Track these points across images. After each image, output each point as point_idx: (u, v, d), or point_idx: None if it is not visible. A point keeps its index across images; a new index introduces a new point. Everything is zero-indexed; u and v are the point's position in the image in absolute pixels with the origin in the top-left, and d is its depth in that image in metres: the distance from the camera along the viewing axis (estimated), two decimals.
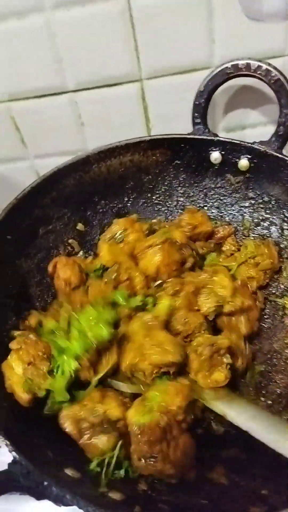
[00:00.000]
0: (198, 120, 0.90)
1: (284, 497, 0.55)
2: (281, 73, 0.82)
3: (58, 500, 0.55)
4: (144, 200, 0.98)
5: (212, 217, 0.97)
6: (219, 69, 0.85)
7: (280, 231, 0.92)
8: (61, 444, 0.67)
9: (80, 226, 0.94)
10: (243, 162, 0.90)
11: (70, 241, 0.93)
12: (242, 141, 0.88)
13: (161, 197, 0.98)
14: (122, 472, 0.63)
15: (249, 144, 0.88)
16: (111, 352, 0.71)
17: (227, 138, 0.89)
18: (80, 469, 0.61)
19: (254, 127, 1.01)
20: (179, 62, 0.90)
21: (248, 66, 0.84)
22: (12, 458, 0.58)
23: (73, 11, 0.83)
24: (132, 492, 0.60)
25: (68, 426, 0.65)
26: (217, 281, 0.82)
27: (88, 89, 0.94)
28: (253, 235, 0.95)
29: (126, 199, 0.97)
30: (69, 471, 0.60)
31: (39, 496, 0.56)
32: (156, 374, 0.69)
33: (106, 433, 0.64)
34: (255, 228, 0.95)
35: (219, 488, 0.62)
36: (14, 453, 0.58)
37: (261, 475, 0.63)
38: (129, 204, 0.98)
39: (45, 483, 0.55)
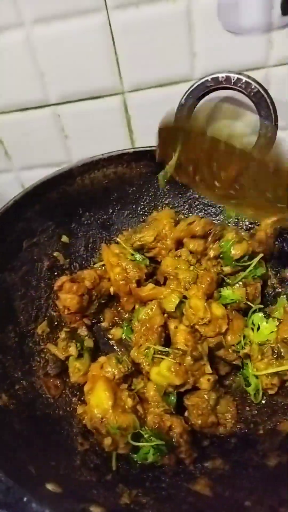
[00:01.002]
0: None
1: (266, 508, 0.54)
2: (261, 85, 0.83)
3: None
4: (129, 212, 0.98)
5: None
6: (199, 82, 0.86)
7: None
8: (44, 459, 0.66)
9: (64, 239, 0.94)
10: None
11: (55, 253, 0.93)
12: None
13: (146, 208, 0.99)
14: None
15: None
16: None
17: None
18: (61, 484, 0.61)
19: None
20: (160, 75, 0.91)
21: (228, 79, 0.85)
22: None
23: (53, 26, 0.84)
24: (114, 507, 0.59)
25: None
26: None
27: (71, 102, 0.95)
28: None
29: (111, 210, 0.97)
30: (50, 486, 0.59)
31: None
32: None
33: None
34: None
35: (203, 500, 0.61)
36: None
37: (245, 487, 0.62)
38: (114, 216, 0.98)
39: (25, 499, 0.55)
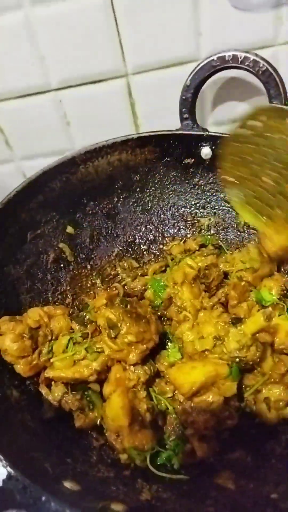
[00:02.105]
0: (186, 115, 0.88)
1: None
2: (269, 63, 0.80)
3: None
4: (134, 200, 0.95)
5: (204, 214, 0.95)
6: (205, 62, 0.83)
7: None
8: (60, 455, 0.64)
9: (70, 229, 0.91)
10: None
11: (60, 245, 0.90)
12: None
13: (151, 196, 0.96)
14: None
15: None
16: None
17: (217, 133, 0.87)
18: (79, 481, 0.58)
19: None
20: (165, 56, 0.88)
21: (234, 58, 0.82)
22: (6, 474, 0.55)
23: (53, 6, 0.80)
24: (135, 503, 0.57)
25: None
26: None
27: (73, 86, 0.92)
28: (249, 230, 0.93)
29: (116, 199, 0.94)
30: (68, 484, 0.57)
31: None
32: None
33: None
34: (250, 224, 0.92)
35: (226, 494, 0.59)
36: (9, 468, 0.55)
37: (271, 479, 0.60)
38: (119, 205, 0.95)
39: (43, 498, 0.52)
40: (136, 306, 0.72)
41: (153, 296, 0.83)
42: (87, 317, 0.75)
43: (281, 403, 0.68)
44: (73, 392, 0.71)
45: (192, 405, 0.67)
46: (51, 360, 0.72)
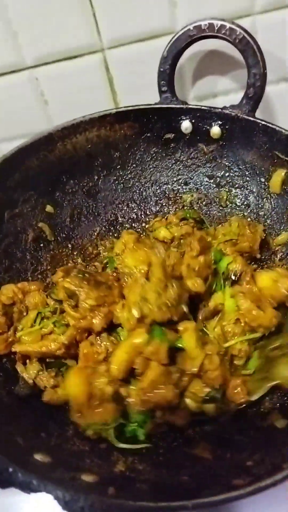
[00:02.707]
0: (165, 88, 0.86)
1: (268, 465, 0.51)
2: (246, 31, 0.79)
3: (25, 487, 0.50)
4: (115, 178, 0.94)
5: (187, 190, 0.94)
6: (181, 32, 0.82)
7: (257, 199, 0.88)
8: (33, 430, 0.63)
9: (49, 208, 0.90)
10: (215, 130, 0.87)
11: (40, 224, 0.89)
12: (212, 107, 0.85)
13: (133, 173, 0.94)
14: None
15: (220, 110, 0.84)
16: None
17: (197, 105, 0.86)
18: (52, 454, 0.57)
19: (226, 94, 0.98)
20: (140, 28, 0.86)
21: (211, 26, 0.80)
22: None
23: None
24: (108, 474, 0.55)
25: None
26: None
27: (48, 63, 0.90)
28: (231, 205, 0.91)
29: (96, 177, 0.93)
30: (38, 456, 0.55)
31: (4, 484, 0.51)
32: None
33: None
34: (233, 199, 0.91)
35: (202, 463, 0.58)
36: None
37: (247, 448, 0.59)
38: (100, 183, 0.93)
39: (10, 469, 0.51)
40: (96, 275, 0.70)
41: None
42: (52, 296, 0.74)
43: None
44: (48, 370, 0.70)
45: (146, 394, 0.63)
46: (17, 335, 0.71)
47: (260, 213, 0.87)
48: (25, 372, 0.70)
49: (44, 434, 0.62)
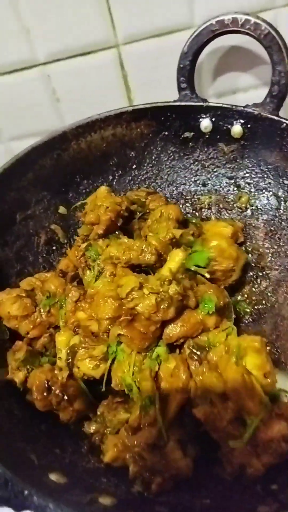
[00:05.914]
0: (184, 85, 0.83)
1: None
2: (272, 26, 0.75)
3: (41, 510, 0.48)
4: (130, 178, 0.91)
5: (205, 191, 0.90)
6: (204, 26, 0.78)
7: (280, 202, 0.84)
8: (47, 445, 0.60)
9: (62, 210, 0.87)
10: (236, 129, 0.83)
11: (52, 226, 0.86)
12: (234, 105, 0.81)
13: (149, 173, 0.91)
14: None
15: (242, 108, 0.80)
16: None
17: (217, 103, 0.82)
18: (67, 473, 0.55)
19: (246, 91, 0.94)
20: (157, 23, 0.83)
21: (234, 21, 0.76)
22: None
23: None
24: (125, 496, 0.53)
25: None
26: None
27: (61, 60, 0.87)
28: (252, 208, 0.87)
29: (111, 177, 0.90)
30: (54, 476, 0.53)
31: (19, 507, 0.49)
32: None
33: None
34: (253, 201, 0.87)
35: (224, 485, 0.55)
36: None
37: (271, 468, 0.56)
38: (114, 183, 0.90)
39: (26, 492, 0.49)
40: None
41: None
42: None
43: None
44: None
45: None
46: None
47: (283, 217, 0.84)
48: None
49: (58, 450, 0.60)
